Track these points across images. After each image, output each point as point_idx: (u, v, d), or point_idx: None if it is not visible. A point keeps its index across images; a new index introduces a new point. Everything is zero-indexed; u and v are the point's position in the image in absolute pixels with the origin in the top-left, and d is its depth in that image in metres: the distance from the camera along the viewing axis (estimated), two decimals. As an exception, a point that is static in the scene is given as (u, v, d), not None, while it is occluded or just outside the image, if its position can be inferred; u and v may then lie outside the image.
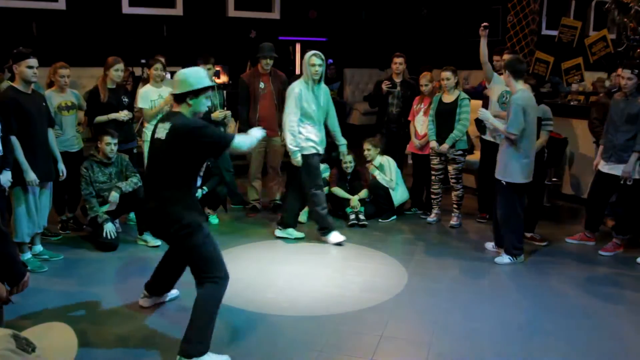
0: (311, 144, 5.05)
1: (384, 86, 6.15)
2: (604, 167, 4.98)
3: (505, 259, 4.75)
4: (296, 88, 4.99)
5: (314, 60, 4.94)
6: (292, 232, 5.32)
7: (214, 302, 3.13)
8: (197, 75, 3.18)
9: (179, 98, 3.16)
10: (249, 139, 3.31)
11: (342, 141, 5.43)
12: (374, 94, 6.38)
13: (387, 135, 6.25)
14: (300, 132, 5.01)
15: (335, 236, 5.16)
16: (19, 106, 4.25)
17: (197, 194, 5.52)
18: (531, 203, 5.20)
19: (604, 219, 5.36)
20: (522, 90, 4.58)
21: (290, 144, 4.99)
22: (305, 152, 5.04)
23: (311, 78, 4.96)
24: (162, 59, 5.89)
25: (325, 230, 5.20)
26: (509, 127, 4.50)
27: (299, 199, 5.35)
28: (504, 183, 4.65)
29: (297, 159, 5.01)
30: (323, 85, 5.11)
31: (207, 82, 3.20)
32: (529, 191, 5.21)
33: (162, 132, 3.13)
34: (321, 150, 5.16)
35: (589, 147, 6.18)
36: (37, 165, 4.39)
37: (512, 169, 4.61)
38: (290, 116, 4.98)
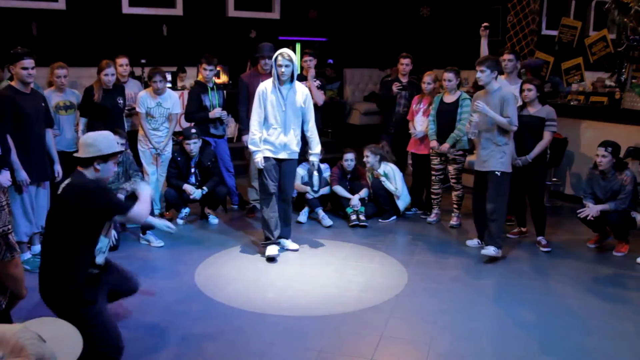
0: None
1: (395, 88, 6.16)
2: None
3: (491, 250, 4.72)
4: None
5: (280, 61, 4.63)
6: None
7: None
8: (107, 141, 3.00)
9: (85, 162, 2.96)
10: (145, 207, 3.08)
11: None
12: (385, 95, 6.35)
13: (394, 135, 6.26)
14: None
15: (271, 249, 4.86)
16: (16, 105, 4.24)
17: (197, 195, 5.58)
18: (533, 205, 5.18)
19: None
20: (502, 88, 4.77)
21: None
22: None
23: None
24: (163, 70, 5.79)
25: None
26: (513, 120, 4.63)
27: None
28: (499, 174, 4.68)
29: None
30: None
31: (116, 148, 3.04)
32: (529, 192, 5.20)
33: (61, 188, 2.93)
34: None
35: (589, 147, 6.17)
36: (33, 164, 4.36)
37: (506, 159, 4.69)
38: None
